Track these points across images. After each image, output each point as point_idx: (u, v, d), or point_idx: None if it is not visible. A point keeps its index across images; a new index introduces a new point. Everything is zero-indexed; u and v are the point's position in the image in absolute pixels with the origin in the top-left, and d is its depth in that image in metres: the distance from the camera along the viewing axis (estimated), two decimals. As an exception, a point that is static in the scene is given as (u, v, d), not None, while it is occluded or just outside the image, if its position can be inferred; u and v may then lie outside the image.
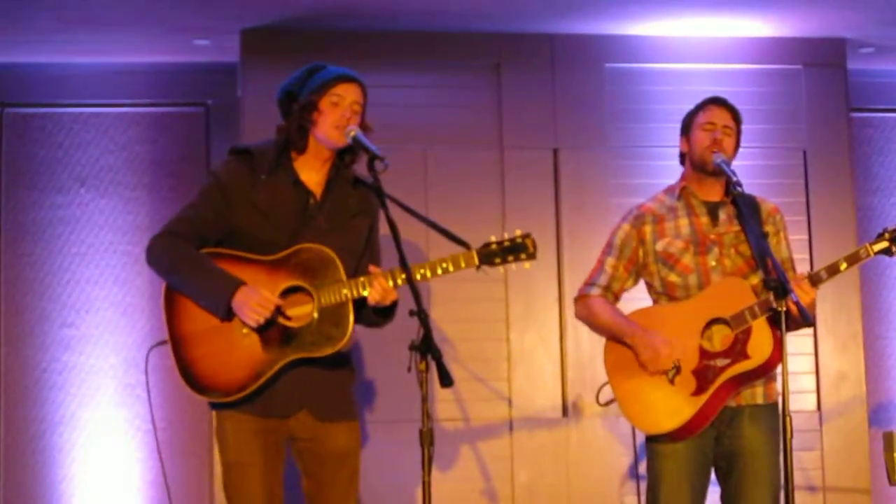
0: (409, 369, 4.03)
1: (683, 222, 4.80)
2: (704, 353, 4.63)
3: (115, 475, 6.77)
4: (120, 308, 6.90)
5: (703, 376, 4.62)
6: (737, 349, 4.60)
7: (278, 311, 4.22)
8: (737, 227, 4.77)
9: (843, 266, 4.63)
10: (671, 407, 4.64)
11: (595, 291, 4.87)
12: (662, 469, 4.70)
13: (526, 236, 4.34)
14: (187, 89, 7.01)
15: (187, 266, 4.28)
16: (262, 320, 4.18)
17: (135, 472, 6.77)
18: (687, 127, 4.88)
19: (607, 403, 4.86)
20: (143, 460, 6.75)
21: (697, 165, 4.80)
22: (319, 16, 6.30)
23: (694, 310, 4.68)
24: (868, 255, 4.66)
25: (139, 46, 6.69)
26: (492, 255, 4.32)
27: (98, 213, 6.95)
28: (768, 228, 4.82)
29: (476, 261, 4.30)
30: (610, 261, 4.87)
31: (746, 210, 4.73)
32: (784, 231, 4.90)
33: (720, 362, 4.61)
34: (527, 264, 4.34)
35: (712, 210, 4.80)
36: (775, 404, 4.77)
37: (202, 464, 6.69)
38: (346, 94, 4.34)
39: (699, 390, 4.61)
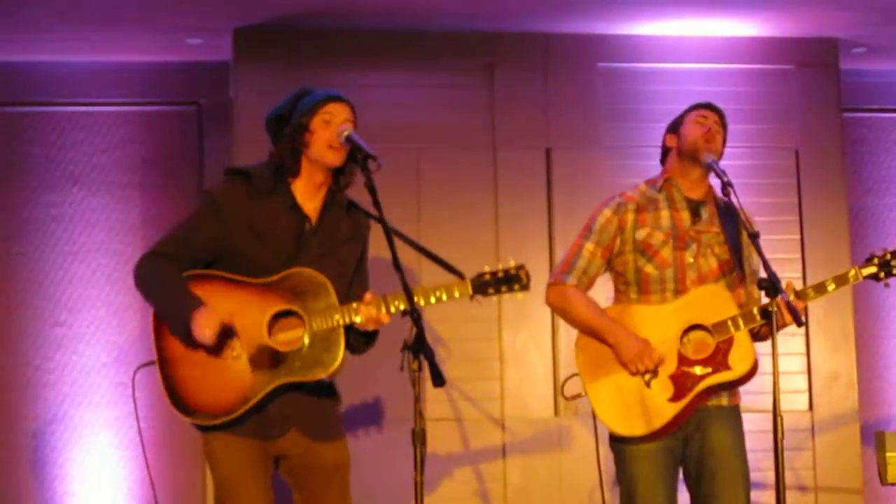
0: (402, 369, 4.04)
1: (664, 214, 4.78)
2: (683, 360, 4.62)
3: (106, 473, 6.77)
4: (112, 307, 6.89)
5: (681, 383, 4.60)
6: (718, 359, 4.60)
7: (230, 332, 4.18)
8: (717, 229, 4.77)
9: (832, 287, 4.66)
10: (646, 410, 4.62)
11: (572, 280, 4.79)
12: (636, 471, 4.68)
13: (520, 268, 4.38)
14: (179, 88, 7.00)
15: (158, 289, 4.26)
16: (209, 335, 4.12)
17: (126, 470, 6.77)
18: (676, 124, 4.87)
19: (573, 398, 4.85)
20: (134, 458, 6.74)
21: (688, 154, 4.77)
22: (312, 15, 6.30)
23: (673, 314, 4.67)
24: (857, 278, 4.69)
25: (131, 45, 6.69)
26: (485, 286, 4.35)
27: (90, 212, 6.94)
28: (744, 232, 4.79)
29: (469, 290, 4.33)
30: (588, 245, 4.81)
31: (729, 214, 4.73)
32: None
33: (700, 370, 4.60)
34: (520, 295, 4.39)
35: (694, 207, 4.80)
36: (737, 406, 4.78)
37: (193, 465, 6.69)
38: (337, 113, 4.33)
39: (677, 396, 4.60)
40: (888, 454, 6.15)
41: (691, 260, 4.72)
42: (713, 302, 4.64)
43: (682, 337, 4.64)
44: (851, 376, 6.71)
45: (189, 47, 6.70)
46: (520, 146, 6.60)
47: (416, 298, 4.20)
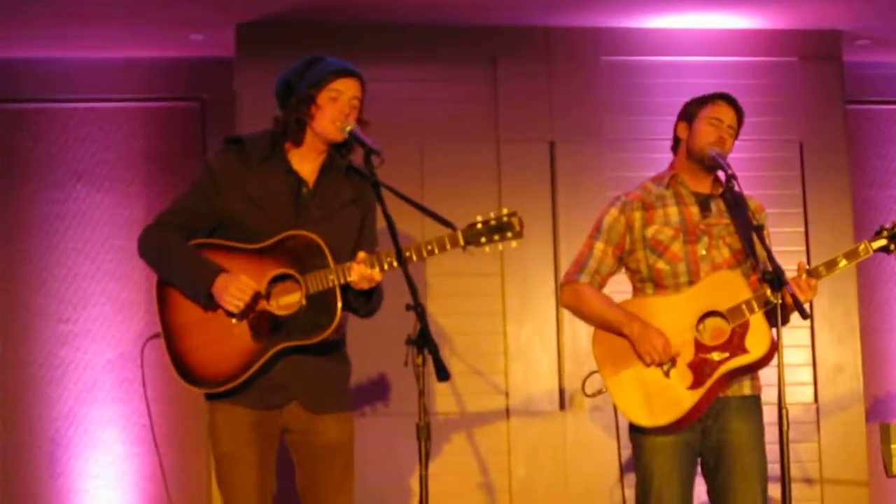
0: (406, 363, 4.04)
1: (672, 210, 4.78)
2: (700, 347, 4.62)
3: (112, 470, 6.77)
4: (116, 303, 6.90)
5: (699, 370, 4.61)
6: (734, 343, 4.60)
7: (258, 296, 4.22)
8: (726, 220, 4.76)
9: (843, 263, 4.63)
10: (667, 400, 4.62)
11: (584, 278, 4.81)
12: (652, 464, 4.69)
13: (512, 214, 4.23)
14: (183, 84, 6.99)
15: (172, 256, 4.29)
16: (241, 305, 4.18)
17: (132, 467, 6.77)
18: (691, 115, 4.83)
19: (595, 394, 4.85)
20: (140, 455, 6.75)
21: (696, 156, 4.78)
22: (314, 9, 6.30)
23: (687, 302, 4.67)
24: (868, 252, 4.65)
25: (134, 41, 6.69)
26: (477, 235, 4.22)
27: (94, 208, 6.95)
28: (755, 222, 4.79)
29: (461, 241, 4.22)
30: (599, 245, 4.82)
31: (737, 205, 4.72)
32: (766, 230, 4.86)
33: (717, 356, 4.60)
34: (514, 243, 4.23)
35: (703, 201, 4.79)
36: (759, 396, 4.78)
37: (200, 457, 6.70)
38: (345, 90, 4.32)
39: (696, 384, 4.61)
40: (893, 446, 6.14)
41: (704, 252, 4.72)
42: (727, 287, 4.64)
43: (697, 324, 4.64)
44: (856, 368, 6.71)
45: (192, 43, 6.70)
46: (523, 139, 6.59)
47: (408, 254, 4.18)
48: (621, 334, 4.70)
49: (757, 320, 4.58)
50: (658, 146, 5.96)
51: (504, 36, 6.61)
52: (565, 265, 6.45)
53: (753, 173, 6.32)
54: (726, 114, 4.80)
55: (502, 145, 6.59)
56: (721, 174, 4.73)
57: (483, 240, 4.23)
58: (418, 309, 3.98)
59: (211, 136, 6.92)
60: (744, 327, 4.59)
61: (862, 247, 4.66)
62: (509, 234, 4.23)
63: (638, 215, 4.80)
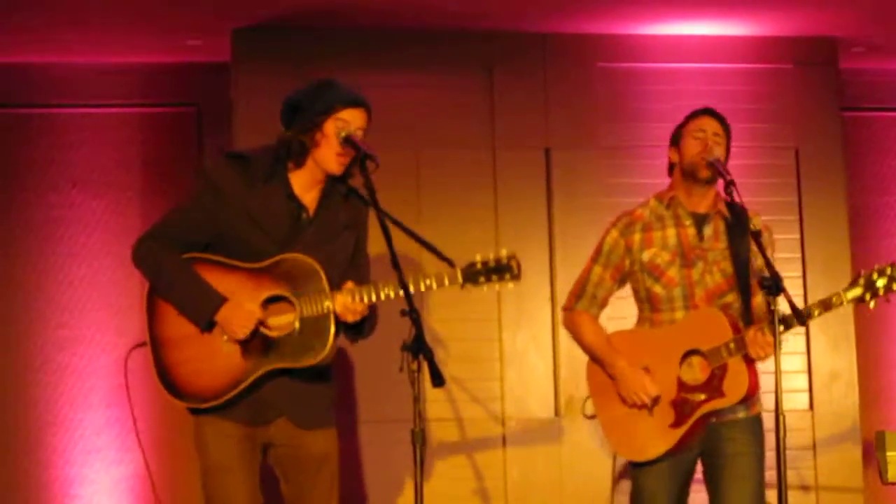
0: (401, 369, 4.03)
1: (671, 233, 4.80)
2: (682, 385, 4.66)
3: (107, 475, 6.76)
4: (113, 309, 6.89)
5: (680, 409, 4.65)
6: (713, 385, 4.62)
7: (261, 324, 4.22)
8: (722, 245, 4.77)
9: (817, 312, 4.62)
10: (652, 436, 4.69)
11: (581, 306, 4.90)
12: (644, 485, 4.75)
13: (511, 258, 4.30)
14: (179, 89, 6.99)
15: (171, 274, 4.26)
16: (247, 333, 4.18)
17: (127, 472, 6.76)
18: (676, 137, 4.87)
19: (592, 417, 4.89)
20: (135, 460, 6.74)
21: (689, 173, 4.78)
22: (311, 16, 6.30)
23: (672, 338, 4.70)
24: (840, 302, 4.64)
25: (131, 46, 6.69)
26: (476, 275, 4.28)
27: (90, 214, 6.94)
28: (757, 232, 4.78)
29: (460, 280, 4.27)
30: (596, 269, 4.88)
31: (737, 223, 4.72)
32: (771, 247, 4.84)
33: (697, 397, 4.64)
34: (510, 284, 4.31)
35: (699, 223, 4.80)
36: (758, 416, 4.80)
37: (192, 463, 6.68)
38: (352, 120, 4.29)
39: (677, 423, 4.65)
40: (888, 453, 6.15)
41: (698, 277, 4.75)
42: (708, 326, 4.65)
43: (682, 361, 4.67)
44: (852, 375, 6.71)
45: (188, 48, 6.70)
46: (519, 146, 6.59)
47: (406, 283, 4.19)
48: (608, 373, 4.78)
49: (735, 363, 4.60)
50: (654, 153, 5.97)
51: (500, 43, 6.62)
52: (561, 272, 6.48)
53: (749, 180, 6.31)
54: (708, 124, 4.81)
55: (498, 152, 6.59)
56: (720, 182, 4.73)
57: (481, 279, 4.29)
58: (413, 315, 3.98)
59: (207, 141, 6.92)
60: (723, 370, 4.61)
61: (835, 297, 4.64)
62: (507, 277, 4.30)
63: (637, 237, 4.83)
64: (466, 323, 6.46)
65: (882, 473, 6.22)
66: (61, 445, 6.79)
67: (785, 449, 4.35)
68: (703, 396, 4.62)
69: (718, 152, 4.76)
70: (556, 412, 6.49)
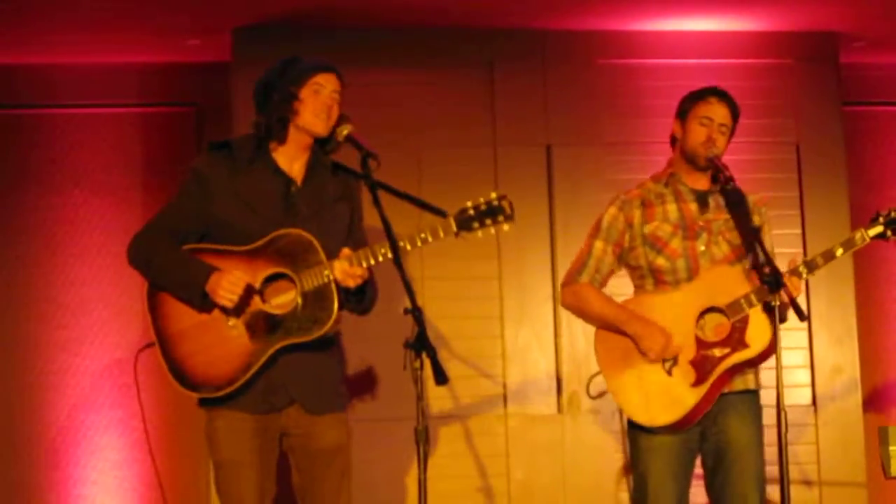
0: (405, 367, 4.04)
1: (672, 207, 4.80)
2: (701, 343, 4.63)
3: (111, 475, 6.76)
4: (114, 309, 6.89)
5: (701, 367, 4.61)
6: (735, 338, 4.60)
7: (251, 290, 4.22)
8: (726, 215, 4.77)
9: (839, 252, 4.63)
10: (671, 398, 4.63)
11: (584, 278, 4.84)
12: (649, 465, 4.71)
13: (502, 198, 4.30)
14: (179, 89, 6.99)
15: (162, 261, 4.30)
16: (234, 298, 4.18)
17: (131, 472, 6.77)
18: (684, 112, 4.84)
19: (598, 396, 4.87)
20: (139, 460, 6.75)
21: (689, 157, 4.80)
22: (311, 14, 6.30)
23: (686, 299, 4.68)
24: (864, 240, 4.64)
25: (131, 46, 6.69)
26: (469, 221, 4.27)
27: (91, 214, 6.94)
28: (755, 219, 4.80)
29: (454, 228, 4.26)
30: (598, 244, 4.85)
31: (737, 202, 4.72)
32: (768, 224, 4.88)
33: (718, 352, 4.61)
34: (505, 226, 4.29)
35: (701, 197, 4.80)
36: (758, 392, 4.79)
37: (198, 463, 6.69)
38: (326, 83, 4.37)
39: (699, 381, 4.61)
40: (891, 448, 6.14)
41: (703, 248, 4.73)
42: (725, 282, 4.64)
43: (698, 321, 4.64)
44: (854, 370, 6.71)
45: (188, 48, 6.70)
46: (520, 143, 6.59)
47: (401, 243, 4.20)
48: (623, 333, 4.71)
49: (756, 314, 4.59)
50: (655, 148, 5.97)
51: (500, 39, 6.61)
52: (563, 268, 6.43)
53: (750, 175, 6.31)
54: (717, 112, 4.79)
55: (499, 149, 6.59)
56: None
57: (475, 225, 4.28)
58: (416, 313, 3.99)
59: (207, 141, 6.90)
60: (744, 322, 4.60)
61: (858, 235, 4.65)
62: (500, 218, 4.30)
63: (637, 213, 4.81)
64: (468, 320, 6.46)
65: (885, 468, 6.21)
66: (64, 446, 6.79)
67: (787, 444, 4.35)
68: (726, 350, 4.59)
69: (721, 144, 4.76)
70: (559, 409, 6.48)
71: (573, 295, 4.87)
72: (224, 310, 4.23)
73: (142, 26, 6.39)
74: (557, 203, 6.58)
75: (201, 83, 6.95)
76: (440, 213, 4.24)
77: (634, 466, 4.77)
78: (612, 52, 6.69)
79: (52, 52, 6.72)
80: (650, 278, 4.80)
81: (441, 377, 3.92)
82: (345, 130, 4.32)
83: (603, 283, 4.87)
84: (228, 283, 4.18)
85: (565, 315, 6.02)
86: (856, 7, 6.41)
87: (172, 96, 7.02)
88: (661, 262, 4.76)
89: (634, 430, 4.74)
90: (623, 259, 4.86)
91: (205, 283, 4.21)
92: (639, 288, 4.86)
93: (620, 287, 4.98)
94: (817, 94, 6.80)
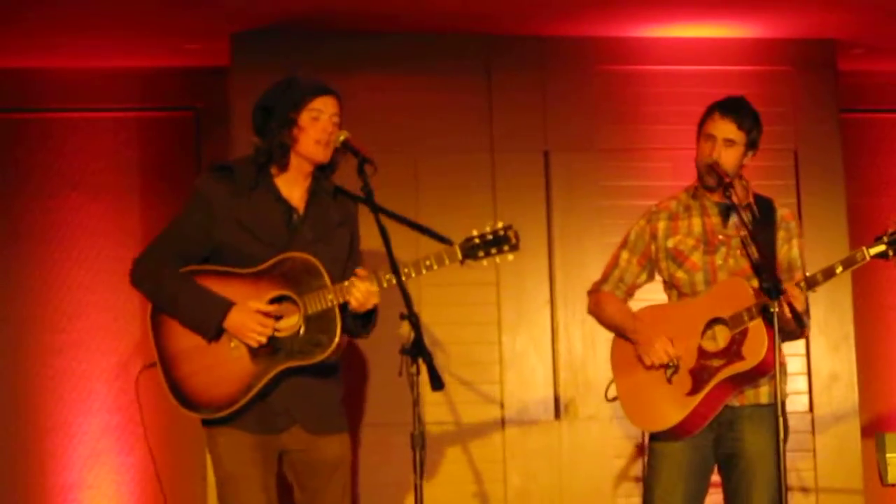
0: (401, 373, 4.04)
1: (696, 221, 4.84)
2: (702, 353, 4.66)
3: (107, 480, 6.76)
4: (111, 313, 6.89)
5: (698, 376, 4.64)
6: (732, 350, 4.62)
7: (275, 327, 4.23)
8: (744, 232, 4.77)
9: (839, 269, 4.62)
10: (666, 406, 4.68)
11: (607, 287, 4.93)
12: (659, 469, 4.75)
13: (508, 228, 4.31)
14: (177, 93, 7.00)
15: (172, 288, 4.28)
16: (264, 340, 4.19)
17: (127, 477, 6.76)
18: (699, 126, 4.86)
19: (614, 399, 4.89)
20: (136, 465, 6.74)
21: (699, 176, 4.83)
22: (309, 20, 6.30)
23: (696, 309, 4.71)
24: (865, 258, 4.63)
25: (129, 51, 6.69)
26: (475, 249, 4.29)
27: (89, 218, 6.94)
28: (781, 234, 4.81)
29: (459, 256, 4.27)
30: (624, 254, 4.93)
31: (763, 215, 4.74)
32: (797, 238, 4.86)
33: (716, 363, 4.63)
34: (510, 256, 4.31)
35: (724, 211, 4.81)
36: (774, 404, 4.77)
37: (196, 467, 6.68)
38: (325, 108, 4.33)
39: (693, 390, 4.64)
40: (888, 455, 6.16)
41: (721, 262, 4.77)
42: (733, 294, 4.66)
43: (704, 331, 4.68)
44: (851, 377, 6.70)
45: (187, 52, 6.70)
46: (518, 149, 6.59)
47: (407, 270, 4.21)
48: (629, 339, 4.79)
49: (756, 327, 4.59)
50: (652, 155, 5.99)
51: (498, 46, 6.61)
52: (560, 274, 6.48)
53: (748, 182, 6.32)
54: (719, 127, 4.77)
55: (497, 155, 6.58)
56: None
57: (480, 254, 4.30)
58: (412, 318, 3.99)
59: (205, 145, 6.93)
60: (743, 334, 4.61)
61: (859, 254, 4.65)
62: (506, 248, 4.31)
63: (662, 225, 4.87)
64: (465, 326, 6.45)
65: (882, 475, 6.22)
66: (60, 450, 6.78)
67: (785, 451, 4.36)
68: (721, 361, 4.62)
69: (726, 157, 4.74)
70: (556, 415, 6.48)
71: (594, 302, 4.98)
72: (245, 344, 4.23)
73: (140, 31, 6.39)
74: (555, 209, 6.58)
75: (200, 88, 6.96)
76: (446, 241, 4.25)
77: (648, 471, 4.85)
78: (610, 59, 6.69)
79: (50, 56, 6.73)
80: (673, 290, 4.87)
81: (437, 383, 3.92)
82: (341, 136, 4.30)
83: (629, 293, 4.95)
84: (258, 324, 4.19)
85: (563, 321, 6.04)
86: (854, 15, 6.42)
87: (171, 101, 7.02)
88: (680, 274, 4.81)
89: (652, 438, 4.82)
90: (652, 271, 4.93)
91: (222, 321, 4.20)
92: (668, 298, 4.92)
93: (650, 294, 5.02)
94: (815, 101, 6.80)
